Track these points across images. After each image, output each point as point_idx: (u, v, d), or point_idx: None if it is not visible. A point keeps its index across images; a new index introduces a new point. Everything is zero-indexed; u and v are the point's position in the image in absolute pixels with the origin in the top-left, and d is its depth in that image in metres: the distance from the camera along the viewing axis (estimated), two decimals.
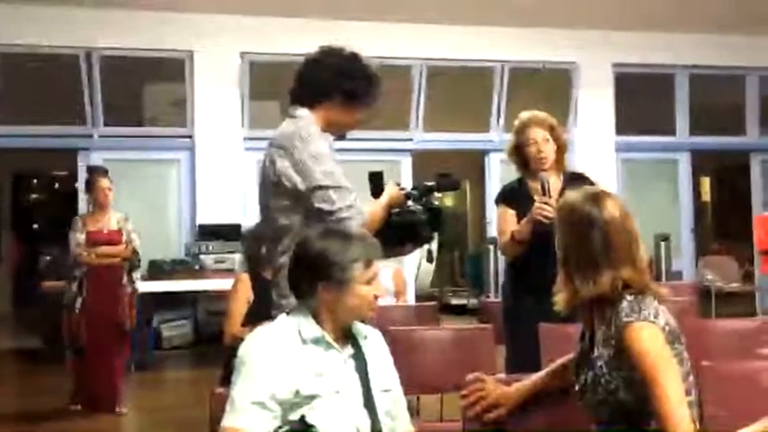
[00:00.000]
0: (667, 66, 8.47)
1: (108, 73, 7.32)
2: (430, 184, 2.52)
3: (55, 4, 7.00)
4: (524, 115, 3.20)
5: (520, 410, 1.90)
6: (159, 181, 7.66)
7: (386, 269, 4.88)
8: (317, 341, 1.80)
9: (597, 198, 1.77)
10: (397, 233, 2.36)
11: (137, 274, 5.20)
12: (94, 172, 5.20)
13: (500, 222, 3.22)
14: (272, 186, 2.31)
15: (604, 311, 1.74)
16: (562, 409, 1.89)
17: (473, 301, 9.26)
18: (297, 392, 1.72)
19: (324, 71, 2.39)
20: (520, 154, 3.19)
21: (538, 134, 3.12)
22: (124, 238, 5.03)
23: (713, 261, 8.84)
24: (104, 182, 5.04)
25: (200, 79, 7.54)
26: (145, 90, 8.26)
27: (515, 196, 3.19)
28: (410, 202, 2.43)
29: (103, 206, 5.03)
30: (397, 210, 2.38)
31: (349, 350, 1.84)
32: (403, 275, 5.17)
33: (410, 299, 7.22)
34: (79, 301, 4.94)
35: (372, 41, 6.37)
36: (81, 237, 4.96)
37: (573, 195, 1.83)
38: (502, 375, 2.21)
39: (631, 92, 8.39)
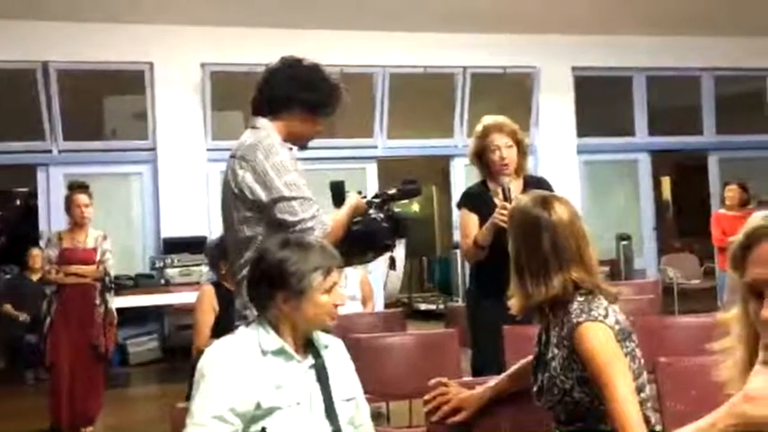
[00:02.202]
0: (625, 68, 8.64)
1: (66, 86, 7.21)
2: (391, 191, 2.54)
3: (8, 18, 6.88)
4: (487, 121, 3.22)
5: (482, 413, 1.92)
6: (122, 195, 7.56)
7: (353, 276, 4.88)
8: (276, 352, 1.79)
9: (545, 201, 1.80)
10: (358, 241, 2.37)
11: (110, 295, 5.02)
12: (71, 187, 5.03)
13: (462, 226, 3.25)
14: (234, 198, 2.31)
15: (557, 313, 1.77)
16: (524, 411, 1.91)
17: (442, 307, 9.29)
18: (257, 405, 1.71)
19: (284, 82, 2.41)
20: (482, 159, 3.22)
21: (501, 140, 3.15)
22: (98, 257, 4.89)
23: (675, 259, 9.01)
24: (80, 198, 4.87)
25: (160, 91, 7.47)
26: (104, 103, 8.15)
27: (477, 200, 3.21)
28: (371, 211, 2.44)
29: (80, 223, 4.88)
30: (359, 218, 2.40)
31: (309, 360, 1.83)
32: (369, 282, 5.17)
33: (379, 305, 7.22)
34: (49, 319, 4.82)
35: (334, 50, 6.41)
36: (53, 253, 4.83)
37: (523, 200, 1.86)
38: (465, 379, 2.23)
39: (591, 95, 8.53)
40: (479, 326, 3.12)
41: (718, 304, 7.36)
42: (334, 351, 1.90)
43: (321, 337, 1.89)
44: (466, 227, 3.19)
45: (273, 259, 1.81)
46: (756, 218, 1.21)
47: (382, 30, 7.70)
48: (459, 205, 3.30)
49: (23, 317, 6.82)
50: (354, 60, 7.34)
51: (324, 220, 2.26)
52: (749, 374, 1.24)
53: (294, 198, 2.22)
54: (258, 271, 1.86)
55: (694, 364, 2.22)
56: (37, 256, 6.84)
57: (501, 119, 3.22)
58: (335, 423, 1.78)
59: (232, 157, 2.35)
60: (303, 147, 2.52)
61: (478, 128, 3.23)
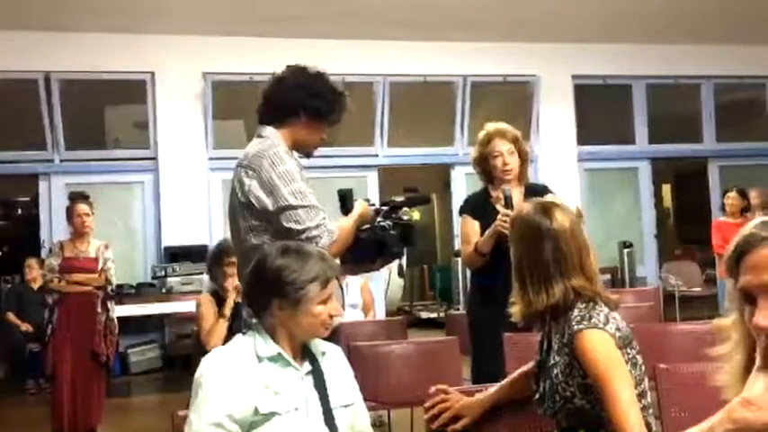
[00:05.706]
0: (625, 76, 8.66)
1: (68, 96, 7.24)
2: (400, 199, 2.55)
3: (11, 29, 6.91)
4: (489, 127, 3.25)
5: (482, 420, 1.92)
6: (123, 204, 7.57)
7: (353, 284, 4.89)
8: (273, 359, 1.80)
9: (547, 209, 1.81)
10: (367, 249, 2.38)
11: (111, 304, 5.05)
12: (72, 197, 5.08)
13: (464, 233, 3.26)
14: (240, 207, 2.33)
15: (558, 320, 1.78)
16: (524, 418, 1.91)
17: (443, 315, 9.28)
18: (255, 410, 1.72)
19: (291, 90, 2.43)
20: (484, 165, 3.24)
21: (503, 146, 3.18)
22: (100, 266, 4.92)
23: (676, 266, 9.00)
24: (81, 208, 4.92)
25: (162, 100, 7.50)
26: (106, 112, 8.18)
27: (479, 207, 3.23)
28: (380, 218, 2.45)
29: (81, 232, 4.92)
30: (368, 226, 2.41)
31: (307, 367, 1.84)
32: (370, 289, 5.18)
33: (380, 313, 7.22)
34: (50, 328, 4.84)
35: (334, 59, 6.41)
36: (55, 262, 4.87)
37: (525, 208, 1.87)
38: (466, 386, 2.23)
39: (591, 103, 8.55)
40: (480, 333, 3.13)
41: (720, 312, 7.37)
42: (332, 357, 1.91)
43: (319, 344, 1.89)
44: (467, 233, 3.20)
45: (273, 266, 1.81)
46: (749, 225, 1.23)
47: (382, 39, 7.73)
48: (461, 212, 3.31)
49: (26, 326, 6.83)
50: (355, 69, 7.36)
51: (330, 228, 2.27)
52: (746, 380, 1.25)
53: (300, 206, 2.24)
54: (257, 277, 1.85)
55: (694, 371, 2.22)
56: (33, 266, 6.87)
57: (503, 125, 3.25)
58: (334, 429, 1.78)
59: (239, 165, 2.37)
60: (308, 155, 2.54)
61: (481, 134, 3.26)
